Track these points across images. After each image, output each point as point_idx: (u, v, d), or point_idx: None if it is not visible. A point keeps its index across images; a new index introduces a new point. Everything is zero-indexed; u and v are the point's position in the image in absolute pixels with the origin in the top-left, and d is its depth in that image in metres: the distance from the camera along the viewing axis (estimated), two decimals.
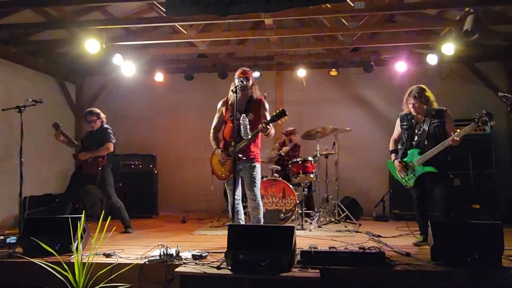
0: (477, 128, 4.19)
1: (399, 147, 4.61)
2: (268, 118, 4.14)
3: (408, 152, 4.44)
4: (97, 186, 5.50)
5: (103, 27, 5.65)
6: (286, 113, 4.01)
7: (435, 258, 3.48)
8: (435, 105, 4.37)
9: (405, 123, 4.54)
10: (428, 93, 4.38)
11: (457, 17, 5.63)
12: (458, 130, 4.12)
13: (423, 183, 4.45)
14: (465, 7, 5.22)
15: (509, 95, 3.96)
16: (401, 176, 4.53)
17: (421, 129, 4.38)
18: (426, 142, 4.31)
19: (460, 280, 3.25)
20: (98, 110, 5.65)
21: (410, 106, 4.40)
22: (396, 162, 4.52)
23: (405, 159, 4.47)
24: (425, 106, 4.34)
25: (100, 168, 5.34)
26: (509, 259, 3.54)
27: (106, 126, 5.63)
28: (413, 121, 4.48)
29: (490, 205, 6.02)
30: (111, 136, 5.54)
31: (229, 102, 4.31)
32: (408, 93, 4.43)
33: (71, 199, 5.50)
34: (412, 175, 4.42)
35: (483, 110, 4.13)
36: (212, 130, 4.45)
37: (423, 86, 4.41)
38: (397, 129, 4.65)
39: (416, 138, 4.41)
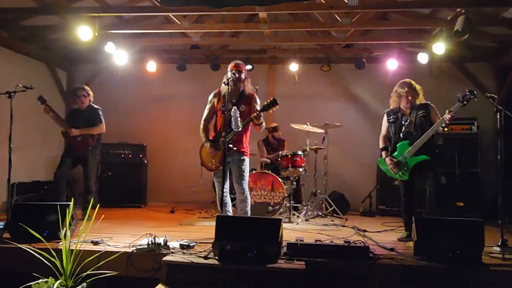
0: (462, 106, 4.26)
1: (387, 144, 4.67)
2: None
3: (398, 145, 4.48)
4: (82, 166, 5.47)
5: (96, 14, 5.61)
6: (278, 102, 4.06)
7: (417, 253, 3.56)
8: (421, 100, 4.50)
9: (391, 117, 4.61)
10: (418, 87, 4.50)
11: (449, 17, 5.70)
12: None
13: (413, 177, 4.47)
14: (456, 7, 5.29)
15: (496, 96, 4.02)
16: (394, 172, 4.53)
17: (408, 120, 4.44)
18: (413, 132, 4.38)
19: (441, 275, 3.33)
20: (88, 88, 5.64)
21: (403, 94, 4.44)
22: (388, 160, 4.55)
23: (395, 154, 4.50)
24: (416, 96, 4.44)
25: (89, 148, 5.35)
26: (489, 256, 3.65)
27: (96, 106, 5.60)
28: (399, 114, 4.55)
29: (475, 203, 6.13)
30: (102, 117, 5.53)
31: (221, 94, 4.33)
32: (399, 85, 4.52)
33: (64, 178, 5.40)
34: (405, 169, 4.43)
35: (466, 89, 4.26)
36: (202, 122, 4.46)
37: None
38: (385, 125, 4.71)
39: (403, 129, 4.45)
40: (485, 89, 6.88)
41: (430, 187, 4.50)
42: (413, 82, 4.51)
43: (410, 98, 4.44)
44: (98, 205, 3.61)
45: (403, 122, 4.49)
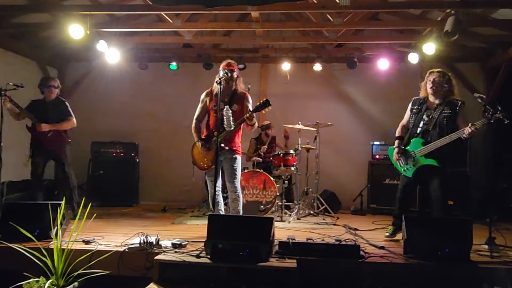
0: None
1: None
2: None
3: (412, 140, 4.23)
4: (56, 163, 5.25)
5: (88, 12, 5.58)
6: (270, 103, 4.07)
7: (407, 251, 3.61)
8: (456, 96, 4.17)
9: (416, 107, 4.28)
10: (454, 81, 4.22)
11: (439, 18, 5.76)
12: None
13: (419, 176, 4.23)
14: (446, 8, 5.35)
15: (484, 96, 4.06)
16: (400, 165, 4.32)
17: (430, 116, 4.14)
18: (431, 131, 4.10)
19: (431, 273, 3.38)
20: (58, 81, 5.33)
21: (431, 81, 4.15)
22: (395, 151, 4.31)
23: (408, 147, 4.27)
24: (446, 86, 4.12)
25: (65, 145, 5.10)
26: (477, 254, 3.71)
27: (63, 98, 5.29)
28: (424, 105, 4.23)
29: (464, 202, 6.20)
30: (71, 110, 5.20)
31: (214, 93, 4.34)
32: (430, 72, 4.22)
33: (41, 181, 5.22)
34: (411, 165, 4.22)
35: (497, 106, 3.81)
36: (194, 121, 4.46)
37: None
38: (407, 113, 4.39)
39: (421, 125, 4.18)
40: (474, 89, 6.97)
41: (433, 197, 4.17)
42: (450, 74, 4.21)
43: (434, 88, 4.13)
44: (90, 204, 3.59)
45: (424, 117, 4.18)
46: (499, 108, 3.78)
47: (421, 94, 4.36)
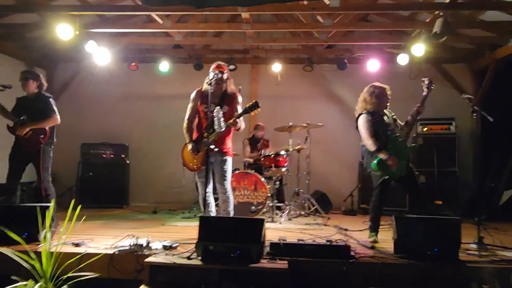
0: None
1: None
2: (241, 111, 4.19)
3: (389, 141, 4.23)
4: (33, 165, 4.75)
5: (77, 13, 5.53)
6: (259, 105, 4.07)
7: (397, 251, 3.64)
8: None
9: (375, 117, 4.35)
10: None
11: (428, 19, 5.82)
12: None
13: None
14: (435, 10, 5.41)
15: (472, 97, 4.12)
16: (394, 169, 4.17)
17: (389, 118, 4.40)
18: (396, 128, 4.36)
19: (420, 272, 3.42)
20: (41, 76, 4.91)
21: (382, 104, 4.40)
22: (391, 158, 4.12)
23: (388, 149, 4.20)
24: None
25: (41, 145, 4.58)
26: (466, 253, 3.75)
27: (47, 94, 4.87)
28: (380, 114, 4.38)
29: (453, 202, 6.28)
30: (55, 107, 4.77)
31: (204, 95, 4.31)
32: (385, 87, 4.46)
33: (16, 185, 4.85)
34: (403, 162, 4.20)
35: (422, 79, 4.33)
36: (186, 121, 4.42)
37: None
38: (371, 125, 4.31)
39: (389, 129, 4.31)
40: (463, 90, 7.07)
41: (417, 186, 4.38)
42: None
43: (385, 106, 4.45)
44: (80, 206, 3.55)
45: (385, 121, 4.37)
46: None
47: (369, 107, 4.40)
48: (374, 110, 4.39)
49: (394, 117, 4.47)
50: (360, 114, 4.42)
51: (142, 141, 7.74)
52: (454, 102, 6.68)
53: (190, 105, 4.44)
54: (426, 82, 4.29)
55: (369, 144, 4.23)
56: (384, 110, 4.45)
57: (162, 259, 3.38)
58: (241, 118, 4.17)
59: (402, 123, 4.41)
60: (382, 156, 4.11)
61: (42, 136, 4.60)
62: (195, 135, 4.39)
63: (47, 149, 4.67)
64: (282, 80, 7.56)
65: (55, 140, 4.84)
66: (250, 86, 7.86)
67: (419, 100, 4.33)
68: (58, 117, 4.73)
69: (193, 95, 4.44)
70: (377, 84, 4.50)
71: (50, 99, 4.78)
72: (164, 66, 7.43)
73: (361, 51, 7.39)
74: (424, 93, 4.29)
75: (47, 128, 4.65)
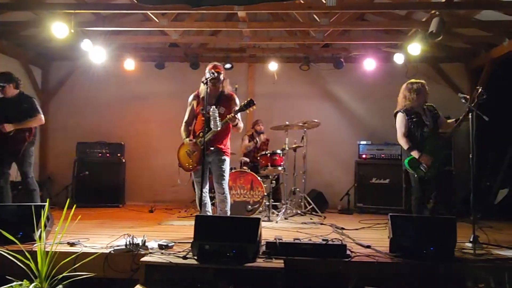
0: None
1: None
2: None
3: (426, 141, 4.29)
4: (16, 163, 4.82)
5: (72, 11, 5.49)
6: (254, 102, 4.06)
7: (393, 250, 3.64)
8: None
9: (413, 116, 4.38)
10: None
11: (424, 18, 5.83)
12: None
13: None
14: (431, 9, 5.42)
15: (468, 96, 4.13)
16: (426, 169, 4.24)
17: (428, 118, 4.39)
18: (434, 129, 4.38)
19: (416, 271, 3.42)
20: (18, 78, 4.88)
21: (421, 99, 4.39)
22: (425, 156, 4.24)
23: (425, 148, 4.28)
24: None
25: (26, 144, 4.68)
26: (462, 251, 3.76)
27: (28, 94, 4.95)
28: (418, 113, 4.39)
29: (448, 200, 6.29)
30: (38, 107, 4.84)
31: (200, 96, 4.31)
32: (423, 84, 4.43)
33: (8, 186, 4.84)
34: (436, 164, 4.26)
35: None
36: (183, 124, 4.42)
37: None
38: (406, 124, 4.38)
39: (425, 129, 4.33)
40: (458, 89, 7.09)
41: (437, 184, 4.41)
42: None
43: (420, 103, 4.43)
44: (75, 205, 3.54)
45: (424, 121, 4.39)
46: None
47: (408, 105, 4.42)
48: (413, 107, 4.41)
49: (436, 112, 4.46)
50: (397, 112, 4.50)
51: (138, 139, 7.71)
52: (450, 101, 6.67)
53: (188, 108, 4.45)
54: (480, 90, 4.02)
55: (402, 143, 4.42)
56: (424, 107, 4.45)
57: (158, 258, 3.36)
58: (240, 118, 4.16)
59: (452, 120, 4.41)
60: (414, 154, 4.28)
61: (27, 134, 4.70)
62: (191, 137, 4.37)
63: (29, 147, 4.79)
64: (278, 79, 7.56)
65: (36, 140, 4.93)
66: (246, 85, 7.85)
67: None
68: (42, 116, 4.84)
69: (190, 98, 4.45)
70: (413, 80, 4.53)
71: (33, 99, 4.87)
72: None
73: (358, 50, 7.40)
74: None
75: (32, 127, 4.75)
